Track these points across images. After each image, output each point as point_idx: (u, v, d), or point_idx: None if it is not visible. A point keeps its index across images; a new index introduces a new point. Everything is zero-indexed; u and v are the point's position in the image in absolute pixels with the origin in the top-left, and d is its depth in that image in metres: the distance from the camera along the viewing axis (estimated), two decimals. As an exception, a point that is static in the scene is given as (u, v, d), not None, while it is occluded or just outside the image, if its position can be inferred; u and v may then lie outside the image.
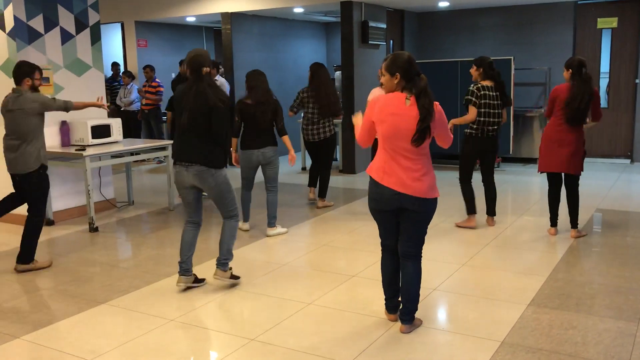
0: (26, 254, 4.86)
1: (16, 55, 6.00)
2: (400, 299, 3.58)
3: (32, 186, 4.83)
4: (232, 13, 9.84)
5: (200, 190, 4.29)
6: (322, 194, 6.83)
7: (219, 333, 3.68)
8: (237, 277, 4.42)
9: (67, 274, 4.81)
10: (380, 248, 3.63)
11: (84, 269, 4.93)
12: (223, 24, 10.03)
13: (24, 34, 6.10)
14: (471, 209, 5.79)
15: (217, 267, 4.33)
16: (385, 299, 3.67)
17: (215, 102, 4.04)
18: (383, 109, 3.29)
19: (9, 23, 6.03)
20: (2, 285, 4.60)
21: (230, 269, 4.39)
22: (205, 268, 4.76)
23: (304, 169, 9.49)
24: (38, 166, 4.81)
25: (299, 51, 11.70)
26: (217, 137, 4.10)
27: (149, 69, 10.19)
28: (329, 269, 4.78)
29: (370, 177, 3.41)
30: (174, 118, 4.36)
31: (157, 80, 10.28)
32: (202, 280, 4.42)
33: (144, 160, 10.47)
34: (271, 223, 5.74)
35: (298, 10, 9.91)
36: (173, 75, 10.23)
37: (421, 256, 3.52)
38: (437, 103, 3.30)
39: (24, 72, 4.83)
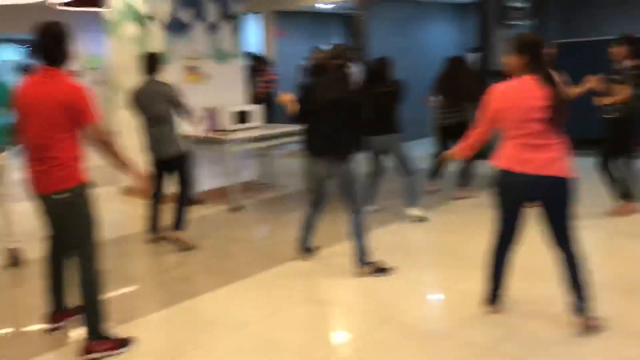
0: (177, 221, 5.14)
1: (168, 46, 6.46)
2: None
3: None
4: (366, -2, 9.85)
5: (329, 180, 4.34)
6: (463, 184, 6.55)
7: (358, 312, 3.74)
8: (382, 270, 4.29)
9: (213, 250, 5.12)
10: (499, 240, 3.41)
11: (227, 246, 5.22)
12: (357, 10, 10.08)
13: (174, 26, 6.54)
14: (628, 194, 5.39)
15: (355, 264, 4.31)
16: (491, 290, 3.51)
17: (353, 95, 4.11)
18: (510, 94, 3.17)
19: (162, 16, 6.50)
20: (157, 258, 5.00)
21: (372, 263, 4.30)
22: (335, 251, 4.85)
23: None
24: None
25: (433, 34, 11.46)
26: (354, 128, 4.17)
27: (259, 60, 10.61)
28: (466, 255, 4.66)
29: (503, 168, 3.26)
30: (305, 108, 4.30)
31: (269, 69, 10.68)
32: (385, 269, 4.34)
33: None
34: (410, 204, 5.68)
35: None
36: (303, 64, 10.47)
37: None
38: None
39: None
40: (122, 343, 3.34)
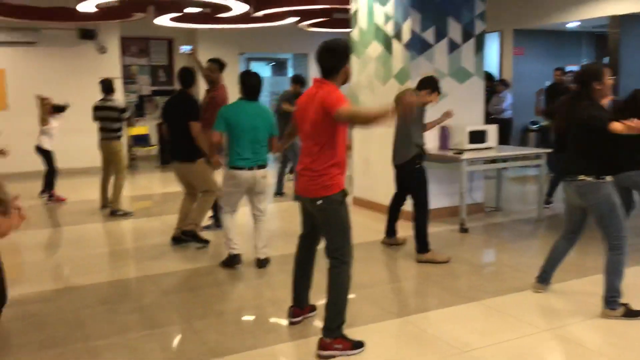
0: (419, 244, 5.30)
1: (409, 64, 6.64)
2: None
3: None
4: (621, 15, 9.03)
5: (583, 209, 4.01)
6: None
7: (600, 357, 3.42)
8: (636, 313, 3.87)
9: (438, 267, 5.10)
10: None
11: (455, 266, 5.16)
12: (610, 28, 9.28)
13: (416, 45, 6.69)
14: None
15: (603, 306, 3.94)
16: None
17: (592, 120, 3.77)
18: None
19: (406, 35, 6.69)
20: (390, 267, 5.14)
21: (625, 305, 3.89)
22: (581, 284, 4.49)
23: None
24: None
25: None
26: (598, 152, 3.83)
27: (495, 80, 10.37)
28: None
29: None
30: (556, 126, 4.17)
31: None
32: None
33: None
34: None
35: None
36: (547, 84, 9.94)
37: None
38: None
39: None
40: (357, 345, 3.47)
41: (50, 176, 8.54)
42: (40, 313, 4.24)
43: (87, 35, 11.54)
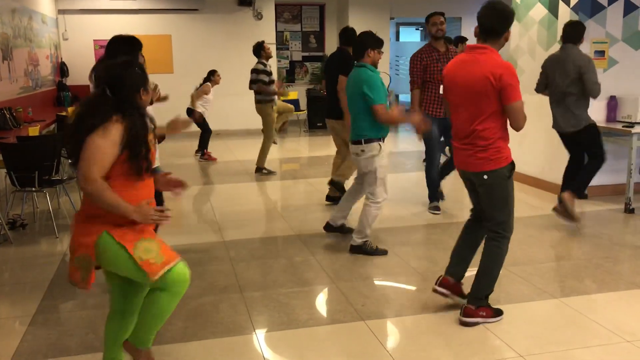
0: (573, 185, 5.25)
1: (576, 28, 6.11)
2: None
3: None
4: None
5: None
6: None
7: None
8: None
9: (600, 250, 4.73)
10: None
11: (617, 249, 4.76)
12: None
13: (587, 8, 6.13)
14: None
15: None
16: None
17: None
18: None
19: (576, -3, 6.17)
20: (556, 247, 4.86)
21: None
22: None
23: None
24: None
25: None
26: None
27: None
28: None
29: None
30: None
31: None
32: None
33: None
34: None
35: None
36: None
37: None
38: None
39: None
40: (497, 312, 3.44)
41: (203, 136, 9.16)
42: (200, 262, 4.57)
43: (245, 1, 12.01)
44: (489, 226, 3.37)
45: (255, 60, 7.95)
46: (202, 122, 8.99)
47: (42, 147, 5.35)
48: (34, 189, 5.32)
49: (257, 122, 8.33)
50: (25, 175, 5.22)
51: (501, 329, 3.35)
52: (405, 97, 15.02)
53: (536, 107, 6.03)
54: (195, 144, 9.48)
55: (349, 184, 6.16)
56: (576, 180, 5.29)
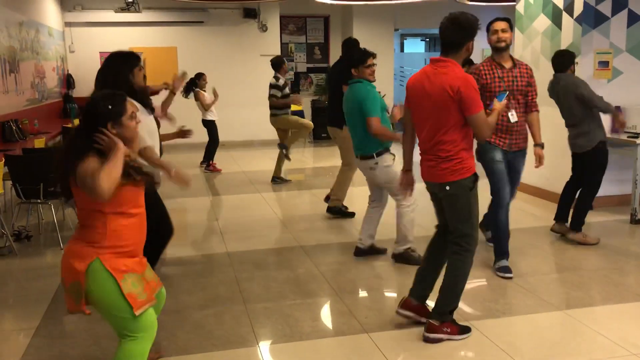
0: (575, 221, 5.13)
1: (580, 40, 6.12)
2: None
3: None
4: None
5: None
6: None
7: None
8: None
9: (606, 261, 4.71)
10: None
11: (623, 261, 4.73)
12: None
13: (590, 19, 6.14)
14: None
15: None
16: None
17: None
18: None
19: (578, 8, 6.16)
20: (560, 259, 4.84)
21: None
22: None
23: None
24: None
25: None
26: None
27: None
28: None
29: None
30: None
31: None
32: None
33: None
34: None
35: None
36: None
37: None
38: None
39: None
40: (464, 330, 3.38)
41: (210, 147, 9.21)
42: (204, 273, 4.57)
43: (250, 13, 12.08)
44: (453, 239, 3.35)
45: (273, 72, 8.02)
46: (212, 130, 9.10)
47: (47, 159, 5.38)
48: (39, 200, 5.36)
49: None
50: (30, 187, 5.26)
51: (505, 341, 3.33)
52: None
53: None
54: (200, 155, 9.51)
55: (350, 198, 6.15)
56: (573, 217, 5.16)
